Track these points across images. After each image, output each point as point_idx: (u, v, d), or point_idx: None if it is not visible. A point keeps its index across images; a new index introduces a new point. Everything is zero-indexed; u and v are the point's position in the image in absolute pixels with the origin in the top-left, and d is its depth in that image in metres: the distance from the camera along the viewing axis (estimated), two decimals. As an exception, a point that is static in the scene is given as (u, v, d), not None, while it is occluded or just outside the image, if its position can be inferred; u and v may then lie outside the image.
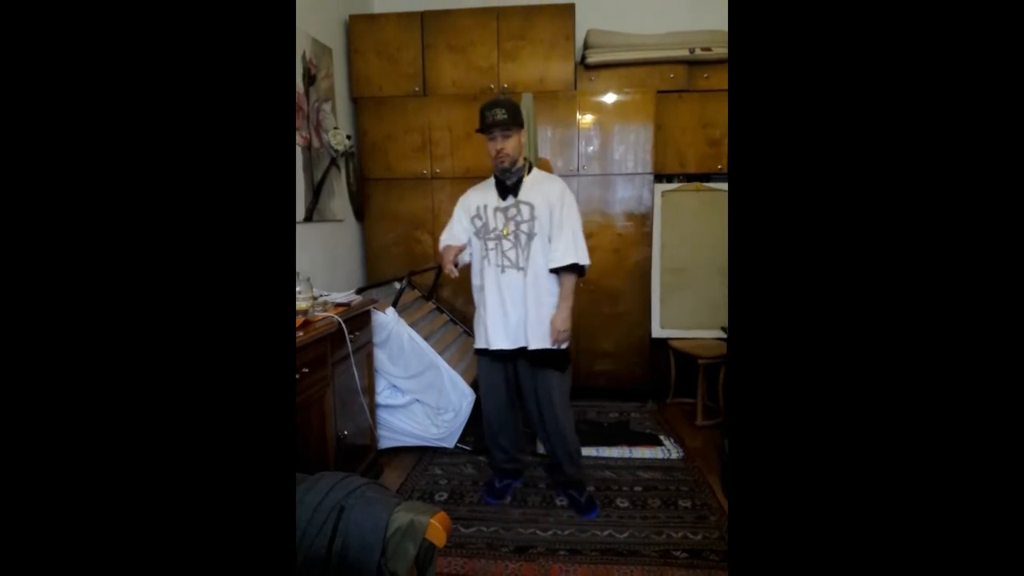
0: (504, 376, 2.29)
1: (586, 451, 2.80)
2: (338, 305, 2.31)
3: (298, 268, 2.10)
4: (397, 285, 3.27)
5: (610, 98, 3.37)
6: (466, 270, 2.34)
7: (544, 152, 3.41)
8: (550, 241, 2.15)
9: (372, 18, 3.50)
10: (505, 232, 2.16)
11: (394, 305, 2.83)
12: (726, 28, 2.58)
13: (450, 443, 2.82)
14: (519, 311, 2.17)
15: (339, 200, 3.28)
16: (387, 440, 2.80)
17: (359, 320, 2.43)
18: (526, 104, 3.25)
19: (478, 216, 2.21)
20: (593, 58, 3.43)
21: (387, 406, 2.79)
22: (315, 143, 2.99)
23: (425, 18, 3.39)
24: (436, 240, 2.64)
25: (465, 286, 2.57)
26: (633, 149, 3.37)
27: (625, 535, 2.12)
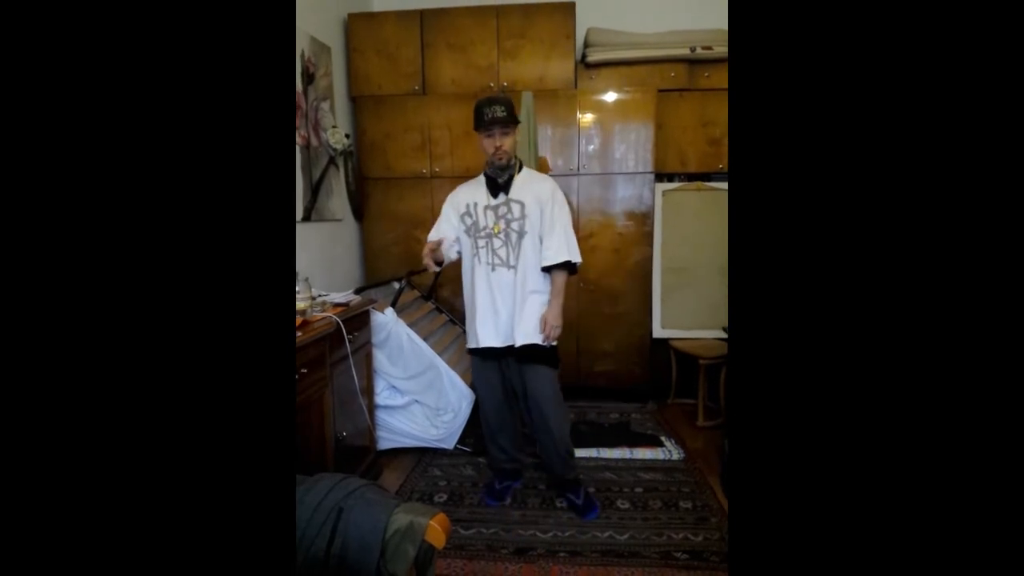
0: (499, 375, 2.28)
1: (586, 452, 2.79)
2: (337, 305, 2.30)
3: (296, 268, 2.09)
4: (396, 285, 3.25)
5: (611, 97, 3.35)
6: (455, 267, 2.32)
7: (544, 151, 3.39)
8: (541, 240, 2.15)
9: (371, 16, 3.49)
10: (496, 230, 2.15)
11: (393, 305, 2.81)
12: (727, 27, 2.58)
13: (449, 444, 2.80)
14: (509, 309, 2.17)
15: (338, 199, 3.26)
16: (386, 441, 2.78)
17: (358, 320, 2.41)
18: (526, 103, 3.24)
19: (468, 214, 2.20)
20: (593, 57, 3.42)
21: (386, 407, 2.77)
22: (313, 142, 2.97)
23: (424, 16, 3.37)
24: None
25: (465, 286, 2.55)
26: (634, 148, 3.36)
27: (626, 536, 2.11)
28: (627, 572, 1.90)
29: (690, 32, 3.41)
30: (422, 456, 2.82)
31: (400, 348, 2.72)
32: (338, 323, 2.13)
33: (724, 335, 3.05)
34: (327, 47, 3.14)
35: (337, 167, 3.25)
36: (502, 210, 2.15)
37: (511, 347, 2.19)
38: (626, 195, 3.41)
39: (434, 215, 2.30)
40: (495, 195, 2.17)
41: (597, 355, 3.53)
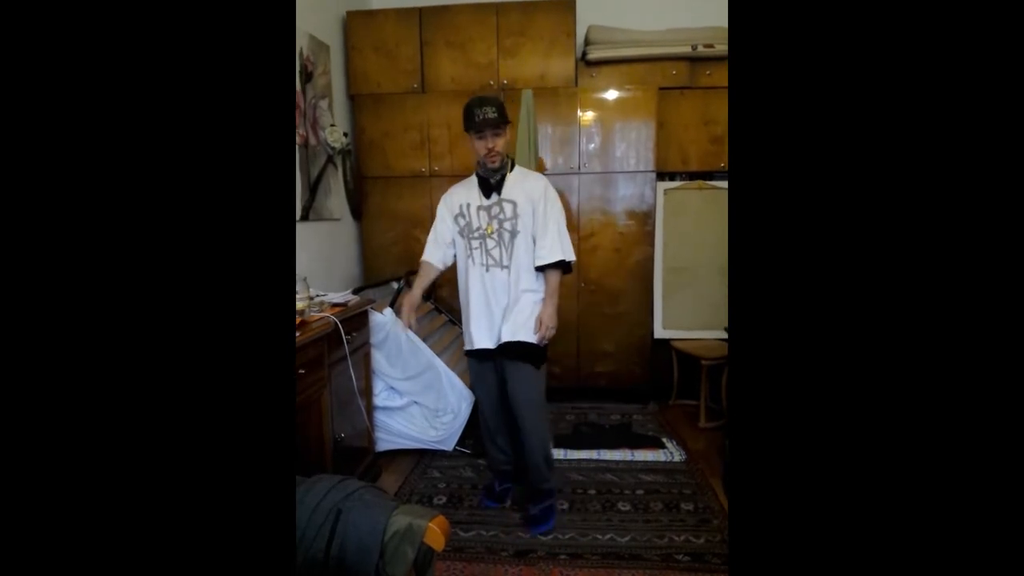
0: (496, 376, 2.25)
1: (587, 454, 2.78)
2: (335, 305, 2.28)
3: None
4: (395, 285, 3.23)
5: (611, 95, 3.34)
6: (453, 268, 2.31)
7: (544, 150, 3.38)
8: (534, 239, 2.12)
9: (370, 14, 3.47)
10: (489, 231, 2.13)
11: (392, 305, 2.79)
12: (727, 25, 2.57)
13: (449, 446, 2.78)
14: (503, 309, 2.15)
15: (336, 198, 3.24)
16: (385, 442, 2.77)
17: (356, 320, 2.39)
18: (526, 101, 3.23)
19: (461, 215, 2.18)
20: (594, 54, 3.41)
21: (385, 408, 2.75)
22: (312, 140, 2.95)
23: (424, 14, 3.36)
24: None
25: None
26: (635, 147, 3.34)
27: (627, 539, 2.09)
28: (628, 574, 1.88)
29: (691, 30, 3.39)
30: (421, 457, 2.80)
31: (399, 348, 2.70)
32: (336, 323, 2.11)
33: (726, 336, 3.04)
34: (326, 45, 3.13)
35: (335, 166, 3.23)
36: (495, 210, 2.13)
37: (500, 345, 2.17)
38: (627, 194, 3.39)
39: (433, 214, 2.29)
40: (488, 195, 2.15)
41: (598, 355, 3.51)
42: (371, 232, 3.56)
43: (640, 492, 2.44)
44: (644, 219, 3.40)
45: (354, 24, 3.40)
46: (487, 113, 2.00)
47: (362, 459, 2.47)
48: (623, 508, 2.31)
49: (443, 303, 3.57)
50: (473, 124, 2.03)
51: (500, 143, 2.06)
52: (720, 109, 3.39)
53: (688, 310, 3.55)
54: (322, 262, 3.09)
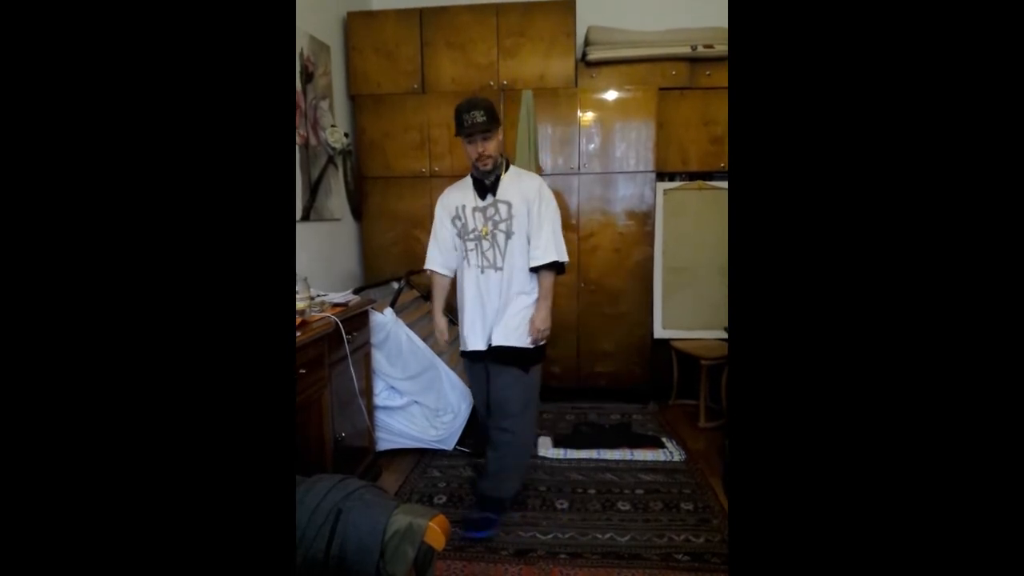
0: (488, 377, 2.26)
1: (587, 453, 2.78)
2: (335, 305, 2.28)
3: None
4: (395, 285, 3.23)
5: (611, 95, 3.34)
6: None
7: (544, 150, 3.38)
8: (529, 239, 2.11)
9: (370, 15, 3.48)
10: (484, 232, 2.12)
11: (392, 305, 2.79)
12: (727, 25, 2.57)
13: (449, 445, 2.78)
14: (495, 311, 2.14)
15: (336, 199, 3.25)
16: (385, 442, 2.77)
17: (357, 320, 2.39)
18: (526, 101, 3.23)
19: (458, 217, 2.17)
20: (594, 55, 3.41)
21: (385, 407, 2.75)
22: (312, 141, 2.96)
23: (424, 15, 3.36)
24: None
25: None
26: (635, 147, 3.34)
27: (626, 538, 2.09)
28: (628, 574, 1.89)
29: (691, 30, 3.39)
30: (421, 457, 2.80)
31: (399, 348, 2.70)
32: (337, 323, 2.11)
33: (726, 335, 3.04)
34: (326, 46, 3.13)
35: (336, 166, 3.23)
36: (490, 211, 2.12)
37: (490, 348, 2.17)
38: (627, 194, 3.40)
39: (433, 214, 2.28)
40: (483, 197, 2.14)
41: (598, 355, 3.51)
42: (371, 232, 3.57)
43: (640, 492, 2.44)
44: (644, 219, 3.40)
45: (354, 25, 3.40)
46: (475, 118, 1.98)
47: (362, 458, 2.47)
48: (623, 508, 2.32)
49: (443, 303, 3.57)
50: (462, 129, 2.01)
51: (491, 146, 2.04)
52: (720, 109, 3.39)
53: (688, 310, 3.55)
54: (323, 262, 3.09)
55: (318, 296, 2.30)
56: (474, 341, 2.18)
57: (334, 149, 3.14)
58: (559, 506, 2.32)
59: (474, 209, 2.14)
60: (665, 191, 3.51)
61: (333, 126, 3.13)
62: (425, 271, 2.34)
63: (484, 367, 2.23)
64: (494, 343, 2.13)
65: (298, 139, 2.80)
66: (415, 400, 2.80)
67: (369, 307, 2.55)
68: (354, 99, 3.50)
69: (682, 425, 3.21)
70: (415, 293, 3.41)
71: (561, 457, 2.77)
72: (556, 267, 2.12)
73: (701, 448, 2.89)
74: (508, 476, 2.21)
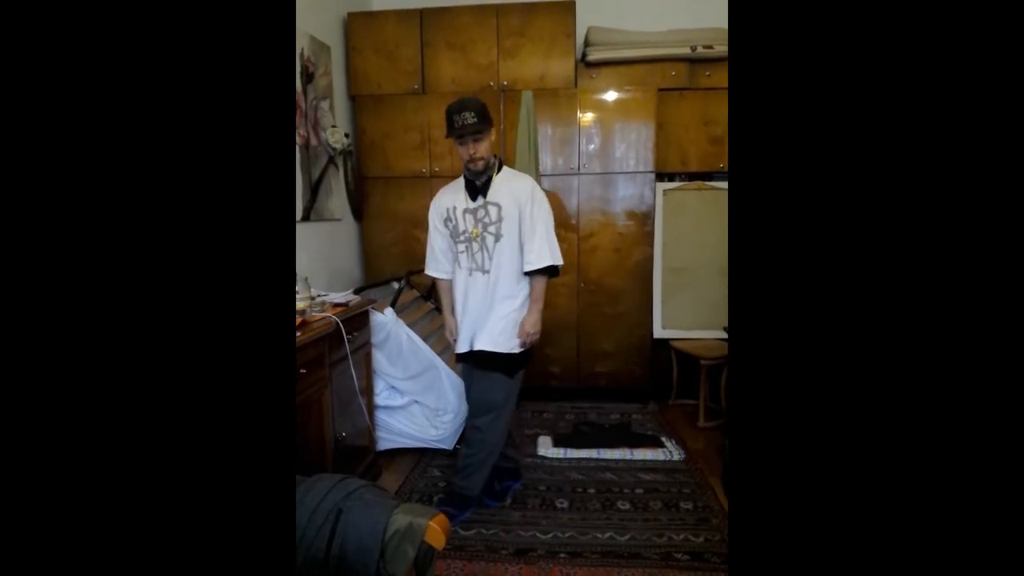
0: None
1: (587, 453, 2.78)
2: (336, 305, 2.28)
3: (295, 268, 2.07)
4: (396, 285, 3.23)
5: (611, 96, 3.34)
6: None
7: (544, 150, 3.38)
8: (521, 243, 2.10)
9: (371, 15, 3.48)
10: (475, 234, 2.11)
11: (392, 305, 2.79)
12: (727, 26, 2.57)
13: (449, 445, 2.78)
14: (480, 314, 2.15)
15: (337, 199, 3.25)
16: (385, 442, 2.77)
17: (357, 320, 2.39)
18: (526, 102, 3.23)
19: (449, 219, 2.17)
20: (594, 55, 3.41)
21: (386, 407, 2.76)
22: (313, 141, 2.96)
23: (424, 15, 3.36)
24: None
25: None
26: (634, 147, 3.35)
27: (626, 537, 2.09)
28: (628, 573, 1.89)
29: (691, 31, 3.39)
30: (421, 456, 2.81)
31: (399, 348, 2.70)
32: (337, 323, 2.11)
33: (725, 335, 3.04)
34: (326, 46, 3.13)
35: (336, 166, 3.23)
36: (480, 213, 2.11)
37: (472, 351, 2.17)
38: (627, 194, 3.40)
39: (433, 215, 2.28)
40: (474, 198, 2.13)
41: (598, 355, 3.52)
42: (372, 232, 3.57)
43: (640, 491, 2.45)
44: (644, 219, 3.41)
45: (355, 25, 3.40)
46: (466, 119, 1.97)
47: (363, 458, 2.48)
48: (623, 507, 2.32)
49: (443, 303, 3.58)
50: (453, 130, 2.00)
51: (482, 147, 2.03)
52: (720, 110, 3.39)
53: (688, 310, 3.55)
54: (323, 262, 3.09)
55: (318, 296, 2.31)
56: (463, 343, 2.19)
57: (334, 149, 3.14)
58: (559, 505, 2.33)
59: (464, 211, 2.13)
60: (665, 191, 3.51)
61: (333, 126, 3.13)
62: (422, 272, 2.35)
63: (470, 367, 2.24)
64: (477, 347, 2.13)
65: (298, 139, 2.80)
66: (415, 400, 2.80)
67: (369, 307, 2.56)
68: (354, 99, 3.50)
69: (682, 425, 3.21)
70: (415, 293, 3.41)
71: (561, 457, 2.77)
72: (549, 271, 2.12)
73: (701, 448, 2.89)
74: (476, 473, 2.23)
